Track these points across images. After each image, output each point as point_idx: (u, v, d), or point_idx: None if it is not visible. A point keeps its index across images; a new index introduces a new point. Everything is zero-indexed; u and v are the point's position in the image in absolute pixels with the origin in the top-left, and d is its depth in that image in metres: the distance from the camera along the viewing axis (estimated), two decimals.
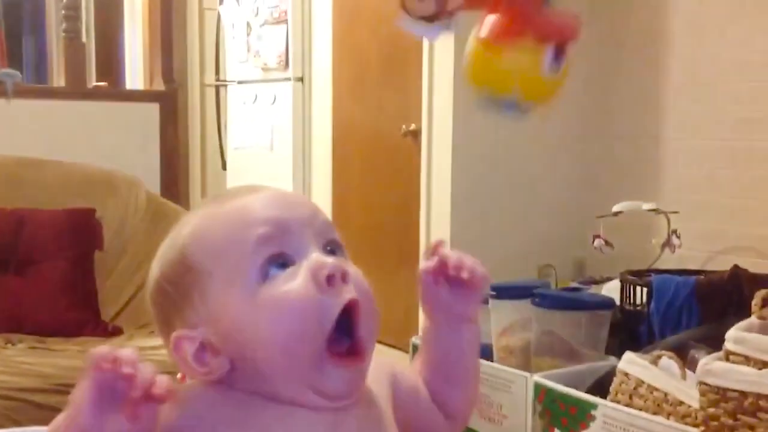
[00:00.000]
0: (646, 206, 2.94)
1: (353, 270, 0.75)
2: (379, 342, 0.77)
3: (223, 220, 0.75)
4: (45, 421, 1.45)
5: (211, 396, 0.74)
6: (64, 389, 1.94)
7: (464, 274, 0.81)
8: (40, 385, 1.97)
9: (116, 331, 2.49)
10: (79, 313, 2.49)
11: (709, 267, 2.91)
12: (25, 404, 1.92)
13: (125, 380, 0.60)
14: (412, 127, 3.69)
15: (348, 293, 0.72)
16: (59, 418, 0.64)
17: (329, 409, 0.73)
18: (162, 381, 0.62)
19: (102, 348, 0.61)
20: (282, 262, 0.73)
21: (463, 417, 0.88)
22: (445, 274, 0.82)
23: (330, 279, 0.71)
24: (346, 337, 0.73)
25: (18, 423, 1.72)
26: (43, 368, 2.04)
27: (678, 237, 2.86)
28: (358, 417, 0.75)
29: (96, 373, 0.61)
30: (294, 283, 0.71)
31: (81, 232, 2.65)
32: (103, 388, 0.61)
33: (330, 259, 0.73)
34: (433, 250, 0.83)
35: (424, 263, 0.83)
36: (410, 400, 0.83)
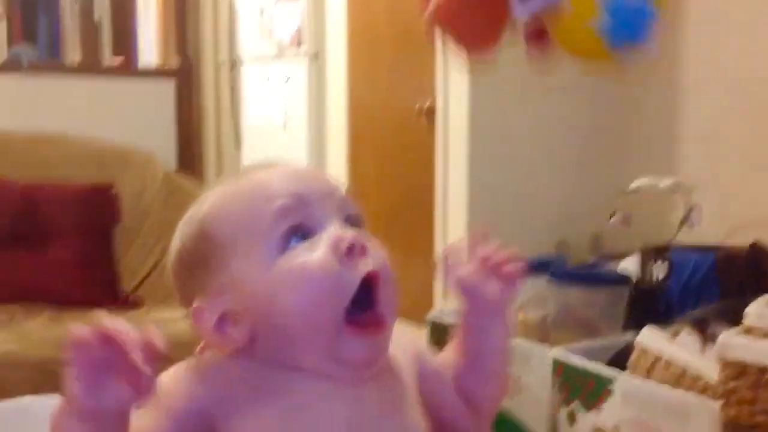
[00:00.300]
0: (664, 183, 2.92)
1: (373, 242, 0.75)
2: (396, 317, 0.77)
3: (243, 193, 0.76)
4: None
5: (231, 367, 0.74)
6: None
7: (508, 267, 0.81)
8: (60, 356, 1.98)
9: (136, 303, 2.50)
10: (99, 286, 2.51)
11: (729, 243, 2.89)
12: (46, 375, 1.93)
13: (107, 354, 0.60)
14: (428, 103, 3.67)
15: (367, 265, 0.72)
16: (57, 408, 0.63)
17: (351, 379, 0.73)
18: (154, 339, 0.61)
19: (78, 327, 0.60)
20: (302, 233, 0.73)
21: (489, 412, 0.87)
22: (483, 267, 0.81)
23: (350, 251, 0.71)
24: (366, 308, 0.73)
25: (38, 392, 1.73)
26: (62, 339, 2.05)
27: (697, 212, 2.83)
28: (380, 389, 0.75)
29: (80, 351, 0.60)
30: (314, 254, 0.71)
31: (98, 206, 2.67)
32: (88, 365, 0.60)
33: (350, 232, 0.73)
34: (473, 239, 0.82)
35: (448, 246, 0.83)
36: (435, 384, 0.83)
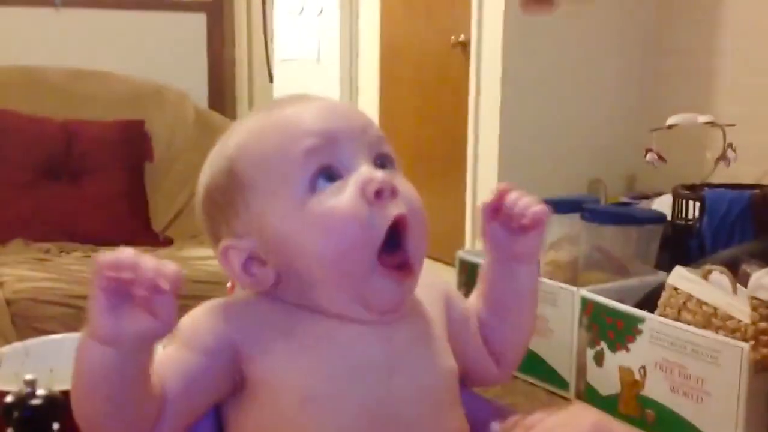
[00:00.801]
0: (701, 119, 2.86)
1: (403, 184, 0.74)
2: (426, 256, 0.76)
3: (272, 131, 0.74)
4: None
5: (259, 306, 0.74)
6: None
7: (525, 221, 0.77)
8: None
9: (167, 242, 2.53)
10: (131, 223, 2.53)
11: (765, 181, 2.84)
12: (79, 311, 1.97)
13: (128, 283, 0.60)
14: (462, 38, 3.61)
15: (396, 208, 0.71)
16: (82, 333, 0.64)
17: (376, 322, 0.73)
18: (169, 271, 0.61)
19: (102, 254, 0.60)
20: (330, 174, 0.72)
21: (512, 360, 0.86)
22: (505, 216, 0.78)
23: (378, 194, 0.70)
24: (395, 250, 0.72)
25: (74, 329, 1.77)
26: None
27: (733, 150, 2.78)
28: (407, 330, 0.75)
29: (101, 278, 0.60)
30: (342, 197, 0.70)
31: (131, 143, 2.68)
32: (110, 293, 0.60)
33: (379, 174, 0.71)
34: (498, 195, 0.78)
35: (484, 201, 0.80)
36: (460, 328, 0.82)
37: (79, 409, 0.66)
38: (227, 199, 0.74)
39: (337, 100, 0.79)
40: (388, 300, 0.72)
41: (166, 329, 0.63)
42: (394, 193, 0.71)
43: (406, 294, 0.74)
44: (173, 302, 0.62)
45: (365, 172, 0.71)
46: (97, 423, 0.66)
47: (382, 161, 0.75)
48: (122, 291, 0.60)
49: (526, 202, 0.77)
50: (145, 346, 0.64)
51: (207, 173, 0.77)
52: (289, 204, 0.71)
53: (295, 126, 0.73)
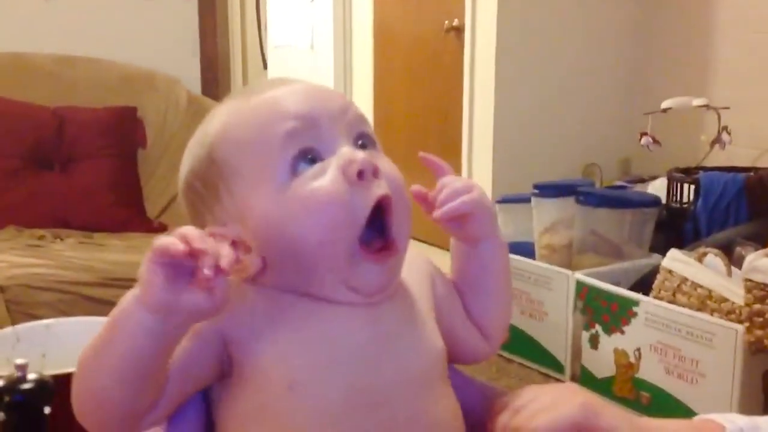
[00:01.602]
0: (696, 102, 2.86)
1: (385, 164, 0.73)
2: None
3: (251, 115, 0.73)
4: (93, 313, 1.49)
5: (247, 293, 0.73)
6: (111, 283, 1.99)
7: (457, 214, 0.76)
8: (89, 279, 2.01)
9: (161, 228, 2.53)
10: (125, 210, 2.52)
11: (760, 164, 2.84)
12: (74, 297, 1.97)
13: (195, 257, 0.61)
14: (455, 22, 3.60)
15: (379, 188, 0.70)
16: (126, 299, 0.64)
17: (364, 304, 0.72)
18: (227, 254, 0.62)
19: (163, 237, 0.62)
20: (311, 157, 0.71)
21: (497, 334, 0.85)
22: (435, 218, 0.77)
23: (360, 174, 0.69)
24: (378, 232, 0.71)
25: (67, 314, 1.76)
26: (91, 262, 2.08)
27: (728, 133, 2.78)
28: (394, 312, 0.74)
29: (162, 252, 0.61)
30: (323, 179, 0.69)
31: (123, 130, 2.67)
32: (172, 266, 0.61)
33: (360, 154, 0.70)
34: (417, 198, 0.77)
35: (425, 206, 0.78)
36: (448, 305, 0.82)
37: (91, 376, 0.66)
38: (208, 186, 0.74)
39: (315, 83, 0.78)
40: (373, 282, 0.71)
41: (217, 308, 0.64)
42: (376, 173, 0.70)
43: (392, 275, 0.73)
44: (228, 284, 0.63)
45: (346, 153, 0.70)
46: (107, 392, 0.66)
47: (363, 142, 0.74)
48: (182, 268, 0.61)
49: (453, 201, 0.76)
50: (189, 322, 0.65)
51: (187, 163, 0.77)
52: (271, 188, 0.70)
53: (274, 110, 0.72)
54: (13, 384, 0.83)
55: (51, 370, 0.91)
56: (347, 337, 0.71)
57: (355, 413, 0.69)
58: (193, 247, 0.61)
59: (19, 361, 0.85)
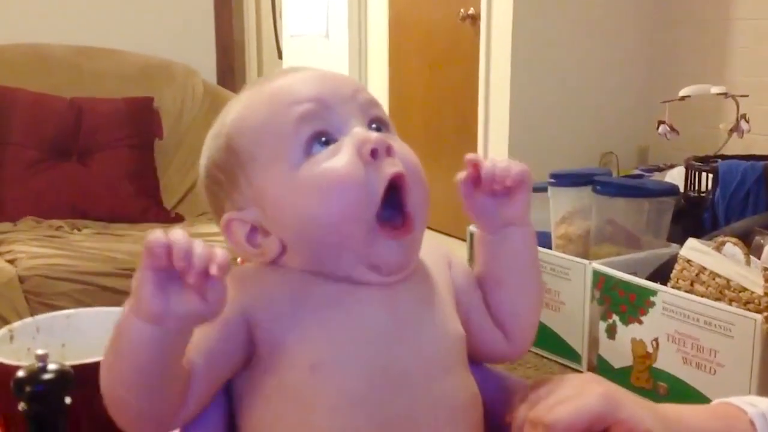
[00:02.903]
0: (714, 90, 2.83)
1: (399, 144, 0.74)
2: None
3: (264, 102, 0.74)
4: (111, 304, 1.50)
5: (267, 275, 0.74)
6: (129, 273, 1.98)
7: (509, 182, 0.76)
8: (107, 269, 2.02)
9: (178, 219, 2.53)
10: (142, 200, 2.53)
11: None
12: (92, 287, 1.98)
13: (180, 266, 0.60)
14: (471, 11, 3.58)
15: (393, 167, 0.70)
16: (124, 310, 0.64)
17: (383, 284, 0.72)
18: (219, 257, 0.61)
19: (155, 233, 0.60)
20: (325, 139, 0.72)
21: (522, 336, 0.82)
22: (487, 184, 0.77)
23: (374, 153, 0.70)
24: (395, 210, 0.72)
25: (85, 305, 1.77)
26: (109, 253, 2.09)
27: (747, 121, 2.76)
28: (414, 294, 0.75)
29: (152, 259, 0.60)
30: (338, 159, 0.70)
31: (140, 120, 2.67)
32: (161, 272, 0.60)
33: (373, 134, 0.71)
34: (469, 164, 0.77)
35: (460, 173, 0.78)
36: (466, 296, 0.81)
37: (109, 387, 0.66)
38: (227, 174, 0.75)
39: (328, 70, 0.79)
40: (392, 259, 0.72)
41: (214, 313, 0.63)
42: (389, 151, 0.71)
43: (410, 252, 0.74)
44: (223, 287, 0.62)
45: (359, 133, 0.71)
46: (126, 401, 0.66)
47: (376, 125, 0.75)
48: (173, 273, 0.60)
49: (506, 165, 0.76)
50: (189, 327, 0.64)
51: (206, 153, 0.78)
52: (286, 171, 0.71)
53: (286, 95, 0.73)
54: (34, 374, 0.84)
55: (71, 361, 0.92)
56: (367, 318, 0.72)
57: (378, 395, 0.70)
58: (173, 263, 0.60)
59: (40, 351, 0.86)
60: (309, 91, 0.73)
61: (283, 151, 0.72)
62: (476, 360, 0.82)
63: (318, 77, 0.76)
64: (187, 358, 0.68)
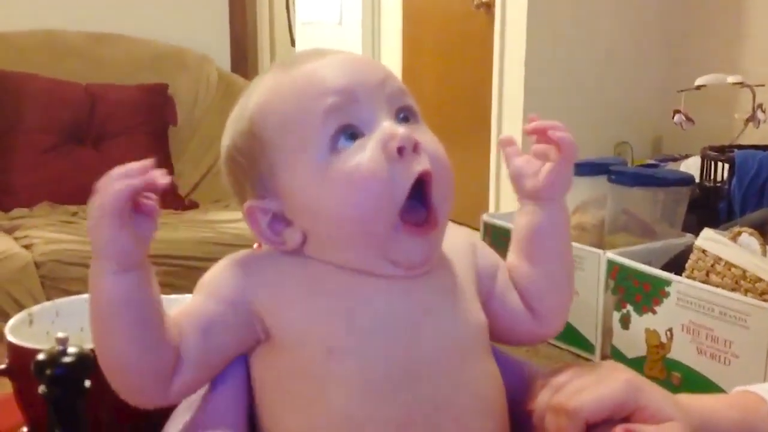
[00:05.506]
0: (730, 79, 2.81)
1: (426, 138, 0.72)
2: (450, 219, 0.75)
3: (290, 90, 0.73)
4: None
5: (285, 264, 0.73)
6: None
7: (558, 134, 0.78)
8: None
9: (192, 205, 2.54)
10: None
11: None
12: None
13: (141, 189, 0.64)
14: None
15: (420, 164, 0.69)
16: (92, 275, 0.67)
17: (402, 277, 0.72)
18: (146, 165, 0.65)
19: (96, 186, 0.65)
20: (351, 132, 0.70)
21: (553, 315, 0.81)
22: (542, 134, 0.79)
23: (401, 150, 0.68)
24: (420, 205, 0.71)
25: None
26: None
27: (763, 111, 2.74)
28: (433, 284, 0.74)
29: (111, 198, 0.64)
30: (364, 155, 0.69)
31: (154, 107, 2.68)
32: (115, 213, 0.63)
33: (401, 130, 0.69)
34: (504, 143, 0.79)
35: (507, 138, 0.79)
36: (492, 278, 0.80)
37: (102, 354, 0.68)
38: (250, 160, 0.74)
39: (355, 53, 0.77)
40: (414, 255, 0.71)
41: (152, 223, 0.66)
42: (416, 148, 0.69)
43: (433, 248, 0.73)
44: (155, 213, 0.66)
45: (386, 128, 0.70)
46: (119, 365, 0.68)
47: (405, 114, 0.73)
48: (123, 211, 0.63)
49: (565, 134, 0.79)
50: (142, 248, 0.66)
51: (228, 135, 0.77)
52: (311, 165, 0.70)
53: (314, 84, 0.72)
54: (55, 357, 0.84)
55: (89, 345, 0.92)
56: (385, 307, 0.71)
57: (397, 384, 0.69)
58: (131, 187, 0.64)
59: (60, 334, 0.85)
60: (337, 81, 0.72)
61: (309, 143, 0.70)
62: (503, 342, 0.82)
63: (345, 64, 0.74)
64: (180, 329, 0.69)
